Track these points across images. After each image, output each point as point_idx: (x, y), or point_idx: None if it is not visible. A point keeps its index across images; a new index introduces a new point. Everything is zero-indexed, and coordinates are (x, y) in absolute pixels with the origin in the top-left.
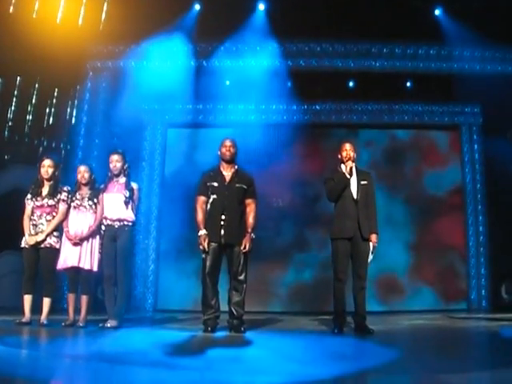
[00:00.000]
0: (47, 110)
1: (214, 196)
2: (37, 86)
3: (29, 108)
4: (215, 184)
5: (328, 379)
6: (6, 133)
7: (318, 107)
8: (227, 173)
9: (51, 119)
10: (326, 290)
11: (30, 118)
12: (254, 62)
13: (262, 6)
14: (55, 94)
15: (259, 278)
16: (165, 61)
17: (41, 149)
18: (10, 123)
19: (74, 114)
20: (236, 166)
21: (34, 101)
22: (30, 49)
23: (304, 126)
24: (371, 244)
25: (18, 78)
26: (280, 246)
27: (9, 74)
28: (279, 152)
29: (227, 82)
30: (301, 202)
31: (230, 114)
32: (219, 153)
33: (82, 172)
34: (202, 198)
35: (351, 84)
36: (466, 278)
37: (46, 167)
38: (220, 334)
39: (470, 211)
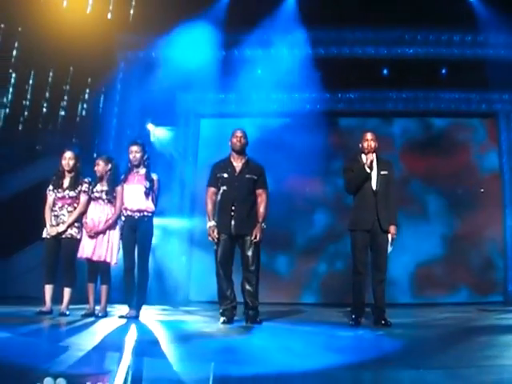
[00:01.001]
0: (79, 102)
1: (224, 187)
2: (69, 77)
3: (61, 100)
4: (225, 175)
5: (317, 371)
6: (40, 124)
7: (351, 95)
8: (237, 164)
9: (84, 110)
10: None
11: (63, 107)
12: (285, 50)
13: None
14: (87, 85)
15: (291, 270)
16: (196, 50)
17: (73, 140)
18: (44, 111)
19: (106, 105)
20: (246, 157)
21: (66, 92)
22: (60, 40)
23: (338, 114)
24: (390, 236)
25: (51, 70)
26: (312, 237)
27: (41, 66)
28: (312, 141)
29: (259, 71)
30: (333, 192)
31: (263, 103)
32: (230, 143)
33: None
34: (211, 189)
35: (385, 72)
36: (503, 270)
37: (67, 159)
38: (235, 324)
39: (507, 201)
